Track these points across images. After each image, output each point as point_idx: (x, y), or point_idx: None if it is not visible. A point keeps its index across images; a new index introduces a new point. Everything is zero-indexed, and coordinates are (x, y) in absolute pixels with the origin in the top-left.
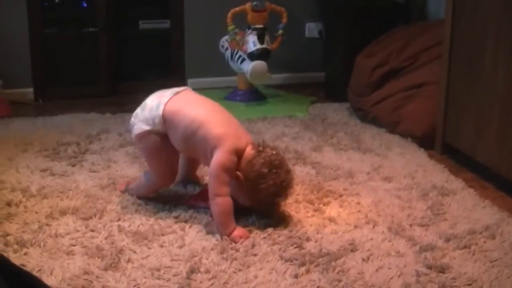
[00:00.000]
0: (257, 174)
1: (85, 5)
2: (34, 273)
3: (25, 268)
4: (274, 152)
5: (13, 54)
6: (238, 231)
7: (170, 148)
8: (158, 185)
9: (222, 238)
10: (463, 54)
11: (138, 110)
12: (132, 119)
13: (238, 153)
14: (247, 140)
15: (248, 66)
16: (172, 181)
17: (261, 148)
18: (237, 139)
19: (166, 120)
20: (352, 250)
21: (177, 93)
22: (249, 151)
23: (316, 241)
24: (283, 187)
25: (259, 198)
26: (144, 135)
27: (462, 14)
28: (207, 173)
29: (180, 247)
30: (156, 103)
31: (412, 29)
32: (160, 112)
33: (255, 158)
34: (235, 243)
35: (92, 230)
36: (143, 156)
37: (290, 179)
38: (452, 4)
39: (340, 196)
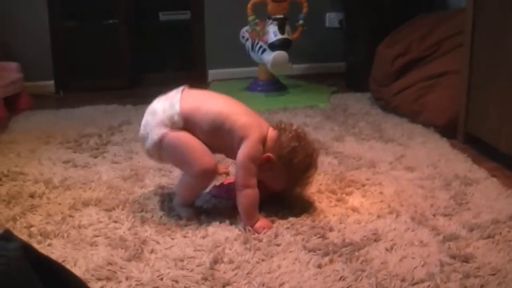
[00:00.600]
0: (289, 150)
1: None
2: None
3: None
4: (295, 127)
5: (34, 47)
6: (262, 222)
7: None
8: (202, 181)
9: (245, 230)
10: (485, 42)
11: (148, 118)
12: (142, 130)
13: (263, 141)
14: (267, 126)
15: (269, 56)
16: (215, 172)
17: (283, 126)
18: (260, 127)
19: (185, 117)
20: (375, 240)
21: (181, 91)
22: (271, 133)
23: (339, 231)
24: (314, 158)
25: (295, 174)
26: (164, 137)
27: (483, 2)
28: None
29: (203, 238)
30: (169, 103)
31: (434, 18)
32: (178, 109)
33: (281, 136)
34: (258, 234)
35: (115, 221)
36: (171, 161)
37: (316, 148)
38: None
39: (363, 186)
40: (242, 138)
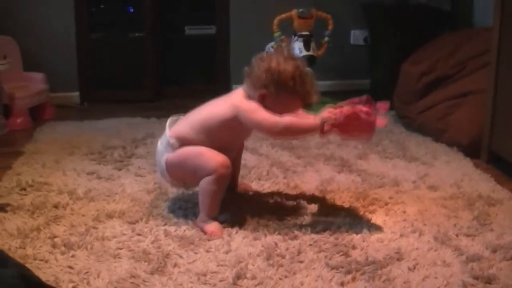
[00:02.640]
0: (264, 72)
1: (132, 10)
2: (81, 275)
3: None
4: (253, 59)
5: (60, 58)
6: (324, 114)
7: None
8: (220, 180)
9: None
10: (511, 61)
11: (156, 158)
12: (157, 170)
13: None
14: (239, 89)
15: None
16: (230, 165)
17: (247, 70)
18: (238, 95)
19: (178, 137)
20: (398, 259)
21: (176, 120)
22: (244, 87)
23: (362, 249)
24: (290, 56)
25: (293, 81)
26: (167, 161)
27: (510, 21)
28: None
29: (226, 253)
30: (162, 136)
31: (459, 37)
32: (168, 133)
33: (252, 75)
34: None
35: (138, 234)
36: (186, 177)
37: (285, 51)
38: (500, 11)
39: (386, 204)
40: (235, 115)
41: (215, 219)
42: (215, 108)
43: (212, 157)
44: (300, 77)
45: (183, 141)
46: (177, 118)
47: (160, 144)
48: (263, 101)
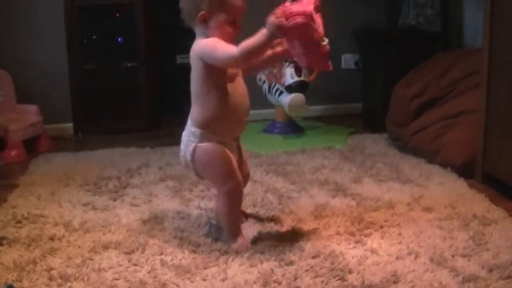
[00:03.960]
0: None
1: (123, 40)
2: None
3: None
4: None
5: (53, 89)
6: (271, 19)
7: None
8: (234, 196)
9: None
10: (502, 81)
11: (181, 146)
12: (181, 157)
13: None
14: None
15: (286, 98)
16: (241, 189)
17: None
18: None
19: (198, 124)
20: (394, 282)
21: None
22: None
23: (358, 273)
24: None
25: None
26: (198, 152)
27: (500, 42)
28: None
29: (223, 280)
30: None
31: (450, 58)
32: (189, 121)
33: (184, 9)
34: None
35: (135, 264)
36: (205, 175)
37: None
38: (489, 32)
39: (381, 227)
40: (196, 52)
41: (239, 234)
42: (193, 72)
43: (229, 176)
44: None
45: (202, 124)
46: None
47: (184, 134)
48: (208, 21)
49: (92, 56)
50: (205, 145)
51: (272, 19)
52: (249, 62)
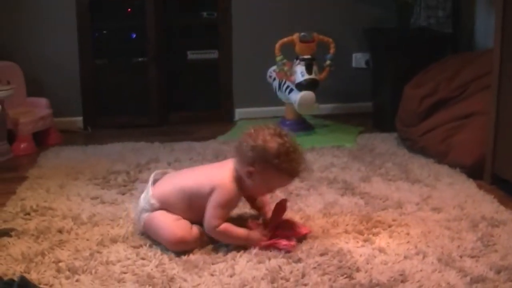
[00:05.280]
0: (250, 149)
1: (134, 36)
2: None
3: None
4: (243, 133)
5: (64, 83)
6: (253, 234)
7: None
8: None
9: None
10: None
11: (139, 204)
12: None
13: (234, 176)
14: (230, 162)
15: (296, 96)
16: (183, 242)
17: (237, 146)
18: (224, 171)
19: (158, 199)
20: (402, 281)
21: (158, 175)
22: (234, 161)
23: (366, 272)
24: (279, 132)
25: (280, 157)
26: (148, 220)
27: (511, 43)
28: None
29: (231, 276)
30: (145, 191)
31: (461, 59)
32: (150, 193)
33: (239, 151)
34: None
35: (142, 258)
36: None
37: (271, 126)
38: (501, 33)
39: (390, 226)
40: (211, 189)
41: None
42: (200, 181)
43: (171, 234)
44: (286, 154)
45: (164, 203)
46: (162, 172)
47: (143, 198)
48: (251, 177)
49: (103, 50)
50: (150, 214)
51: (256, 242)
52: (215, 237)
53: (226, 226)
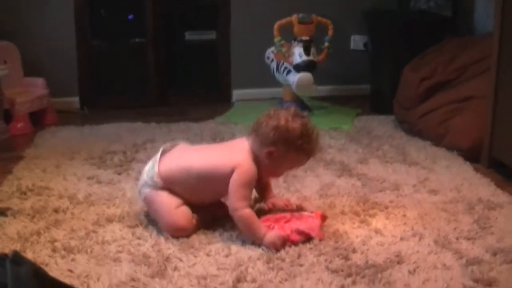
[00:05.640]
0: (272, 129)
1: (132, 17)
2: (82, 279)
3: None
4: (260, 116)
5: (61, 64)
6: (270, 236)
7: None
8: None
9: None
10: (511, 67)
11: (141, 177)
12: (138, 186)
13: (252, 155)
14: (245, 141)
15: (294, 77)
16: (184, 229)
17: (254, 126)
18: (241, 151)
19: (164, 178)
20: (398, 262)
21: (167, 148)
22: (250, 141)
23: (362, 253)
24: (299, 115)
25: (300, 139)
26: (146, 197)
27: (511, 27)
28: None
29: (227, 256)
30: (151, 164)
31: (460, 43)
32: (156, 170)
33: (258, 131)
34: (277, 250)
35: (138, 238)
36: (155, 219)
37: (292, 108)
38: (501, 17)
39: (386, 208)
40: (232, 170)
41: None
42: (217, 162)
43: (172, 222)
44: (307, 135)
45: (168, 182)
46: (172, 144)
47: (147, 172)
48: (271, 157)
49: (100, 30)
50: (153, 192)
51: (270, 244)
52: (236, 221)
53: (251, 213)
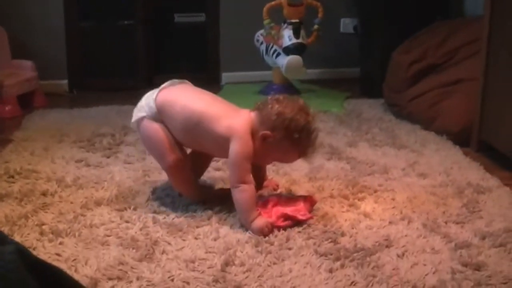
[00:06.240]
0: (276, 114)
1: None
2: (70, 262)
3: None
4: (269, 97)
5: (49, 46)
6: (259, 220)
7: (170, 135)
8: (176, 175)
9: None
10: (502, 50)
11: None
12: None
13: (250, 128)
14: (247, 112)
15: (283, 60)
16: (179, 165)
17: (260, 105)
18: (242, 119)
19: (159, 107)
20: (387, 246)
21: (174, 83)
22: (253, 115)
23: (351, 236)
24: (306, 109)
25: (298, 133)
26: (140, 123)
27: (501, 10)
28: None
29: (215, 240)
30: (152, 91)
31: (450, 25)
32: (154, 96)
33: (262, 110)
34: (264, 235)
35: (126, 221)
36: (145, 146)
37: (303, 102)
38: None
39: (375, 191)
40: (229, 138)
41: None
42: (218, 115)
43: (164, 156)
44: (308, 132)
45: (163, 112)
46: (180, 82)
47: (146, 98)
48: (264, 141)
49: (89, 12)
50: (150, 124)
51: (257, 231)
52: (234, 196)
53: (251, 189)
